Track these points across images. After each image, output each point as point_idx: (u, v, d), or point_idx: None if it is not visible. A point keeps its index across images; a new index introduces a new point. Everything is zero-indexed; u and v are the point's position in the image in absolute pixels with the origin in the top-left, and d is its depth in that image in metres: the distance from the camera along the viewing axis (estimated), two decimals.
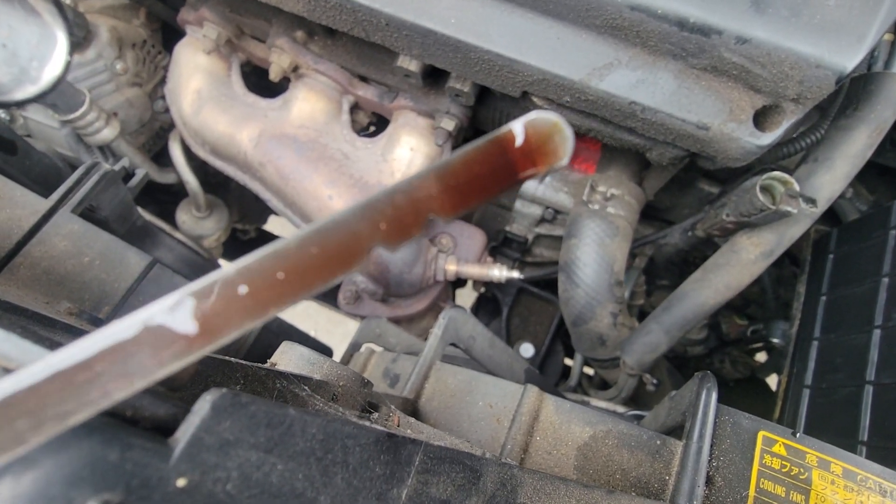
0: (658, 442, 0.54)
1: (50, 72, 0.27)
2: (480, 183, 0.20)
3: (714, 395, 0.54)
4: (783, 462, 0.51)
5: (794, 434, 0.52)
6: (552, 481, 0.36)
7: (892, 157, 1.18)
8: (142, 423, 0.23)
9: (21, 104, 0.27)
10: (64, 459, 0.20)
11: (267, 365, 0.49)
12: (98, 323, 0.68)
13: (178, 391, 0.26)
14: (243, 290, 0.20)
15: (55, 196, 0.77)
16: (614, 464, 0.53)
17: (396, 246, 0.20)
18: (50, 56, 0.26)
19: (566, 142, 0.20)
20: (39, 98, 0.27)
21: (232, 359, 0.36)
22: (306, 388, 0.42)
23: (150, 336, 0.19)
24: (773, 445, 0.52)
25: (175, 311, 0.19)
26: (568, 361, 1.56)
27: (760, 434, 0.52)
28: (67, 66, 0.27)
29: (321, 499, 0.23)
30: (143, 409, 0.23)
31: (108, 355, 0.20)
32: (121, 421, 0.22)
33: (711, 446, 0.52)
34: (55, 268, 0.74)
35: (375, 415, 0.48)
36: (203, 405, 0.22)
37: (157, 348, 0.20)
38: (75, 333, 0.51)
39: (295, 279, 0.19)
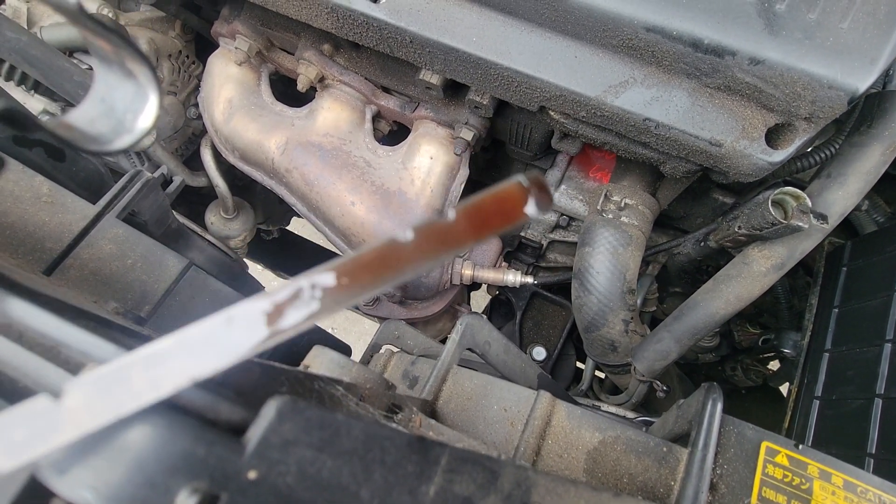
0: (664, 449, 0.57)
1: (143, 122, 0.31)
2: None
3: (719, 406, 0.56)
4: (785, 472, 0.54)
5: (796, 446, 0.55)
6: (563, 483, 0.39)
7: None
8: (220, 424, 0.27)
9: (119, 153, 0.31)
10: (163, 453, 0.25)
11: (302, 368, 0.53)
12: (141, 322, 0.74)
13: (244, 395, 0.30)
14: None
15: (102, 202, 0.83)
16: (622, 468, 0.57)
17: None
18: (143, 110, 0.30)
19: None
20: (132, 147, 0.31)
21: (276, 364, 0.40)
22: (340, 388, 0.47)
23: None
24: (775, 456, 0.55)
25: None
26: (580, 365, 1.58)
27: (764, 444, 0.55)
28: (157, 120, 0.31)
29: (362, 492, 0.27)
30: (222, 413, 0.27)
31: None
32: (205, 423, 0.26)
33: (716, 454, 0.55)
34: (102, 269, 0.80)
35: (399, 415, 0.53)
36: (269, 410, 0.27)
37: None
38: (127, 334, 0.56)
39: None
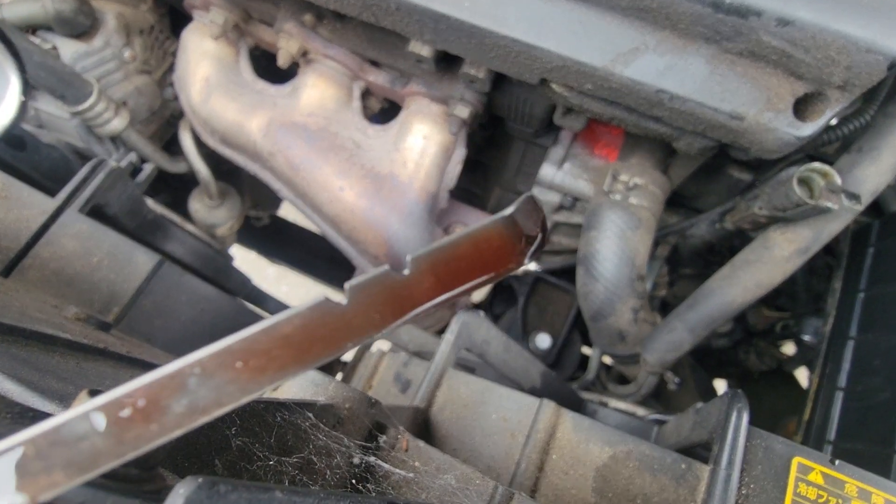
0: (683, 466, 0.51)
1: (2, 116, 0.24)
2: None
3: (745, 418, 0.50)
4: (820, 492, 0.48)
5: (832, 461, 0.48)
6: None
7: None
8: None
9: None
10: None
11: (270, 389, 0.47)
12: (106, 328, 0.68)
13: (157, 467, 0.23)
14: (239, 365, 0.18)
15: (62, 195, 0.76)
16: (635, 488, 0.51)
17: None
18: (2, 97, 0.24)
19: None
20: None
21: None
22: (310, 415, 0.40)
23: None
24: (808, 473, 0.48)
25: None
26: (586, 350, 1.53)
27: (795, 460, 0.49)
28: (22, 110, 0.24)
29: None
30: None
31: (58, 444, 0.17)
32: None
33: (741, 472, 0.48)
34: (64, 269, 0.74)
35: (383, 438, 0.46)
36: (175, 500, 0.20)
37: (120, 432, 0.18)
38: (75, 349, 0.50)
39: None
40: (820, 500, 0.48)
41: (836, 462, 0.50)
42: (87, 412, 0.17)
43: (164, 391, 0.17)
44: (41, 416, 0.24)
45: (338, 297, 0.17)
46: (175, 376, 0.17)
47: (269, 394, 0.47)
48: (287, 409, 0.39)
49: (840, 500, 0.48)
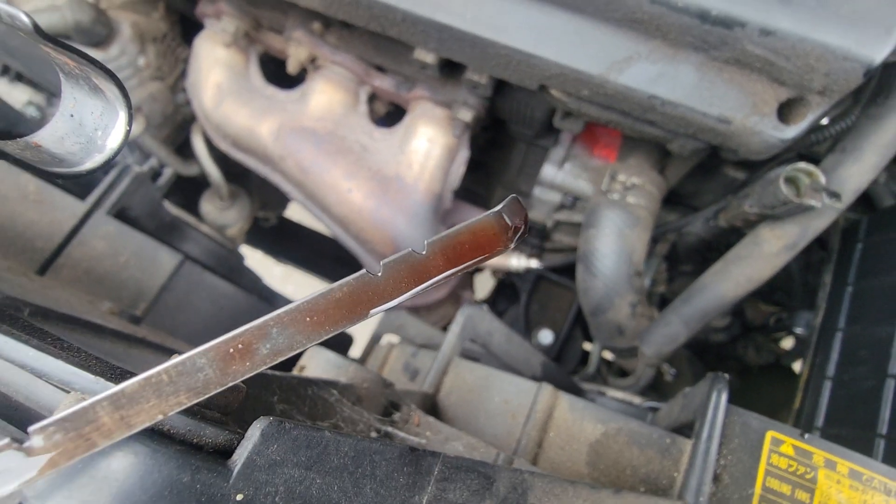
0: (668, 440, 0.56)
1: (113, 141, 0.30)
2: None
3: (724, 396, 0.55)
4: (790, 462, 0.52)
5: (802, 435, 0.53)
6: (560, 483, 0.38)
7: None
8: (205, 448, 0.27)
9: (90, 174, 0.31)
10: (148, 482, 0.25)
11: (297, 370, 0.52)
12: (136, 321, 0.73)
13: (231, 415, 0.30)
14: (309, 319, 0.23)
15: (91, 199, 0.81)
16: (624, 460, 0.56)
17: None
18: (113, 127, 0.29)
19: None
20: (104, 166, 0.30)
21: (269, 371, 0.39)
22: (335, 391, 0.45)
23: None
24: (780, 445, 0.53)
25: None
26: (587, 346, 1.57)
27: (769, 434, 0.54)
28: (127, 137, 0.30)
29: None
30: (206, 437, 0.27)
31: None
32: (190, 448, 0.26)
33: (720, 445, 0.53)
34: (95, 268, 0.79)
35: (397, 414, 0.51)
36: (254, 432, 0.27)
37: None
38: (121, 338, 0.55)
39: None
40: (790, 469, 0.52)
41: (806, 436, 0.55)
42: (206, 350, 0.22)
43: (255, 338, 0.23)
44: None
45: (374, 271, 0.23)
46: (262, 327, 0.23)
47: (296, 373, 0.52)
48: (316, 384, 0.44)
49: (808, 469, 0.52)
